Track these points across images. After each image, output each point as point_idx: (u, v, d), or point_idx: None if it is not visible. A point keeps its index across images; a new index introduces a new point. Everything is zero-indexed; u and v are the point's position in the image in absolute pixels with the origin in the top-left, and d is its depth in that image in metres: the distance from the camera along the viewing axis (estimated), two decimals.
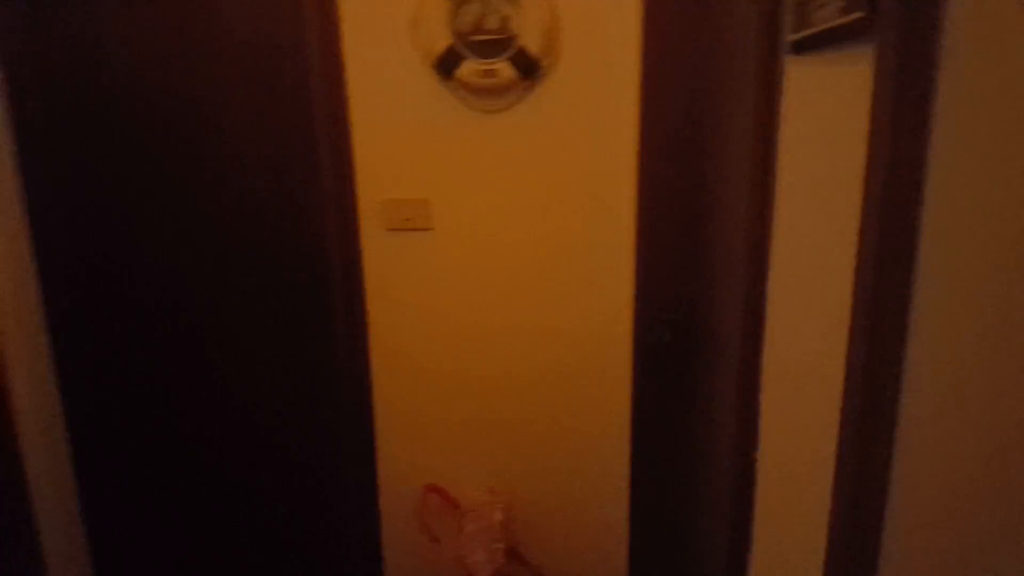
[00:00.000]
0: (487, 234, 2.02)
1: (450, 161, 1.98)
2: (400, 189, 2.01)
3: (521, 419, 2.13)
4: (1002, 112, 0.67)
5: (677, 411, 1.82)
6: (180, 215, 2.12)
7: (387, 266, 2.07)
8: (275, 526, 2.35)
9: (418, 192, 2.01)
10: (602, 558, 2.19)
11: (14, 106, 2.03)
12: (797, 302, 1.13)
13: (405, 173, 2.00)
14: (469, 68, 1.86)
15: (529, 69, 1.85)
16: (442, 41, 1.86)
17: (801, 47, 1.08)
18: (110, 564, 2.38)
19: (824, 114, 1.02)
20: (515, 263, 2.03)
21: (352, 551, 2.28)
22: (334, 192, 2.02)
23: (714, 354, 1.58)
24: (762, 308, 1.26)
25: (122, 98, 2.06)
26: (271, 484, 2.32)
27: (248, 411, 2.26)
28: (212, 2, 1.96)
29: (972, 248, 0.71)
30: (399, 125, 1.97)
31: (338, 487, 2.27)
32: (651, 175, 1.87)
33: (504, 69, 1.85)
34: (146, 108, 2.05)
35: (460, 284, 2.06)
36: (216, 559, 2.39)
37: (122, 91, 2.06)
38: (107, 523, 2.36)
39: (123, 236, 2.15)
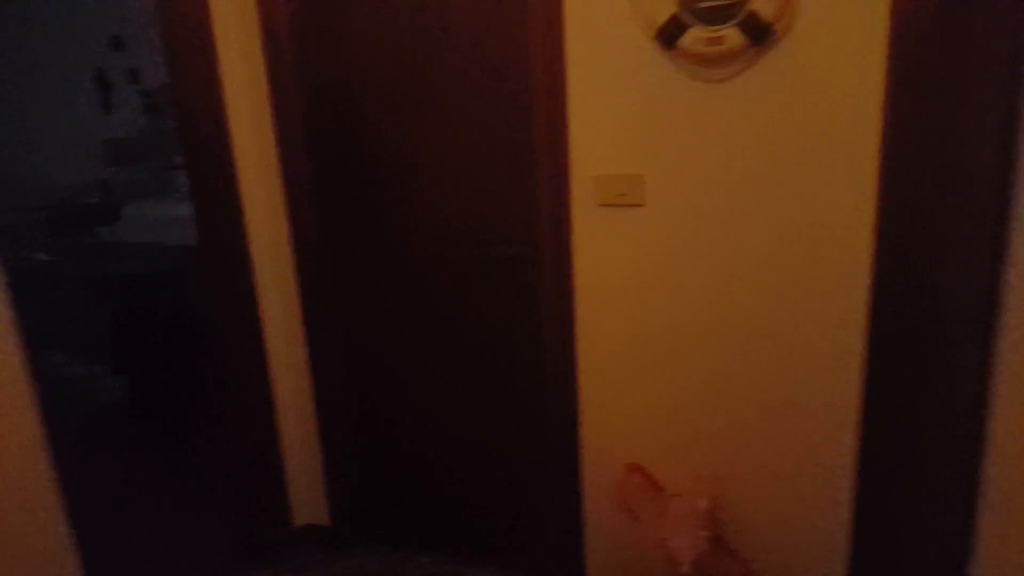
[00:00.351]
0: (703, 211, 1.92)
1: (667, 135, 1.90)
2: (614, 164, 1.97)
3: (732, 407, 2.03)
4: None
5: (919, 409, 1.64)
6: (403, 183, 2.25)
7: (596, 242, 2.05)
8: (479, 491, 2.46)
9: (632, 167, 1.96)
10: (816, 560, 2.05)
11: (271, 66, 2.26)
12: None
13: (620, 148, 1.96)
14: (693, 36, 1.76)
15: (759, 35, 1.72)
16: (665, 10, 1.78)
17: None
18: (338, 483, 2.63)
19: None
20: (732, 243, 1.92)
21: (552, 521, 2.33)
22: (547, 166, 2.03)
23: (956, 345, 1.39)
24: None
25: (363, 76, 2.22)
26: (475, 450, 2.42)
27: (453, 378, 2.38)
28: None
29: None
30: (615, 98, 1.93)
31: (541, 459, 2.31)
32: (901, 155, 1.67)
33: (732, 36, 1.73)
34: (380, 79, 2.19)
35: (672, 262, 1.99)
36: (427, 510, 2.56)
37: (362, 70, 2.21)
38: (335, 448, 2.60)
39: (354, 198, 2.34)
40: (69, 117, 5.89)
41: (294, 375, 2.57)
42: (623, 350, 2.10)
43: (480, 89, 2.08)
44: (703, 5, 1.75)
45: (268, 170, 2.39)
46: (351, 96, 2.24)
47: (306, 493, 2.67)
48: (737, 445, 2.06)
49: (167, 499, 3.06)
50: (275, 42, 2.23)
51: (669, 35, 1.79)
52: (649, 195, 1.96)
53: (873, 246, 1.78)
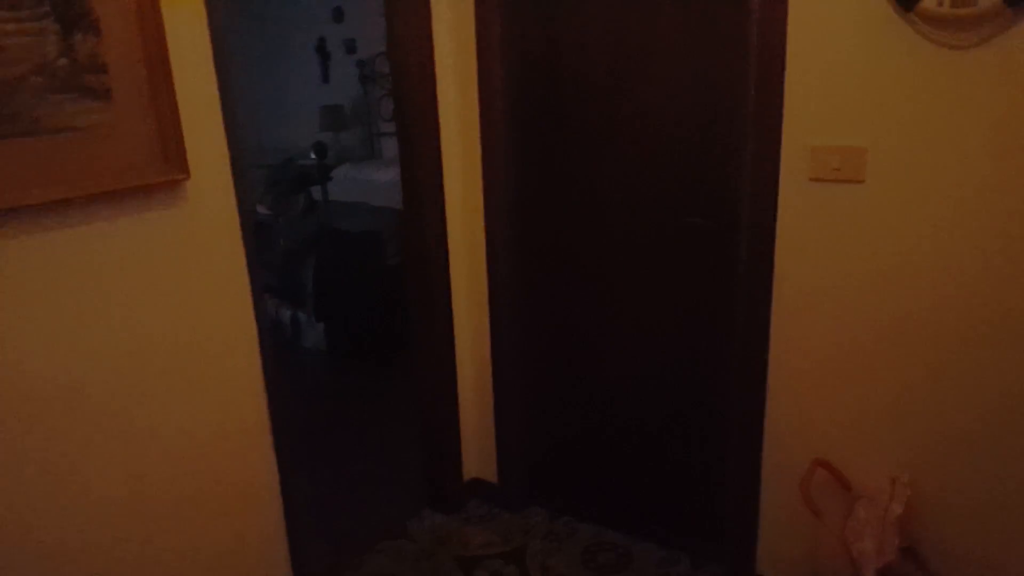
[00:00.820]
0: (935, 192, 1.75)
1: (899, 104, 1.74)
2: (832, 135, 1.84)
3: (949, 408, 1.84)
4: None
5: None
6: (602, 151, 2.24)
7: (803, 219, 1.92)
8: (648, 467, 2.43)
9: (853, 139, 1.82)
10: None
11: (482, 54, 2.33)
12: None
13: (840, 117, 1.82)
14: None
15: None
16: None
17: None
18: (508, 444, 2.71)
19: None
20: (967, 231, 1.73)
21: (725, 507, 2.25)
22: (755, 132, 1.93)
23: None
24: None
25: (567, 47, 2.23)
26: (649, 426, 2.39)
27: (635, 351, 2.34)
28: None
29: None
30: (840, 61, 1.78)
31: (719, 441, 2.24)
32: None
33: None
34: (586, 49, 2.19)
35: (892, 248, 1.82)
36: (592, 480, 2.57)
37: (567, 41, 2.22)
38: (508, 410, 2.67)
39: (548, 163, 2.36)
40: (293, 84, 6.46)
41: (476, 337, 2.67)
42: (823, 337, 1.97)
43: (688, 50, 2.02)
44: None
45: (469, 138, 2.47)
46: (553, 65, 2.26)
47: (478, 449, 2.77)
48: (941, 451, 1.87)
49: (356, 439, 3.30)
50: (484, 14, 2.29)
51: None
52: (871, 170, 1.81)
53: None
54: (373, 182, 5.25)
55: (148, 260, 1.68)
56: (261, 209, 4.38)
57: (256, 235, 4.21)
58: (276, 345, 2.00)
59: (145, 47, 1.57)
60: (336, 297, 4.05)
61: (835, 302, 1.93)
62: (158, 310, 1.72)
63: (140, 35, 1.55)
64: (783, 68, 1.85)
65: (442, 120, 2.42)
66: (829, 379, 1.98)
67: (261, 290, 1.93)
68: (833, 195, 1.88)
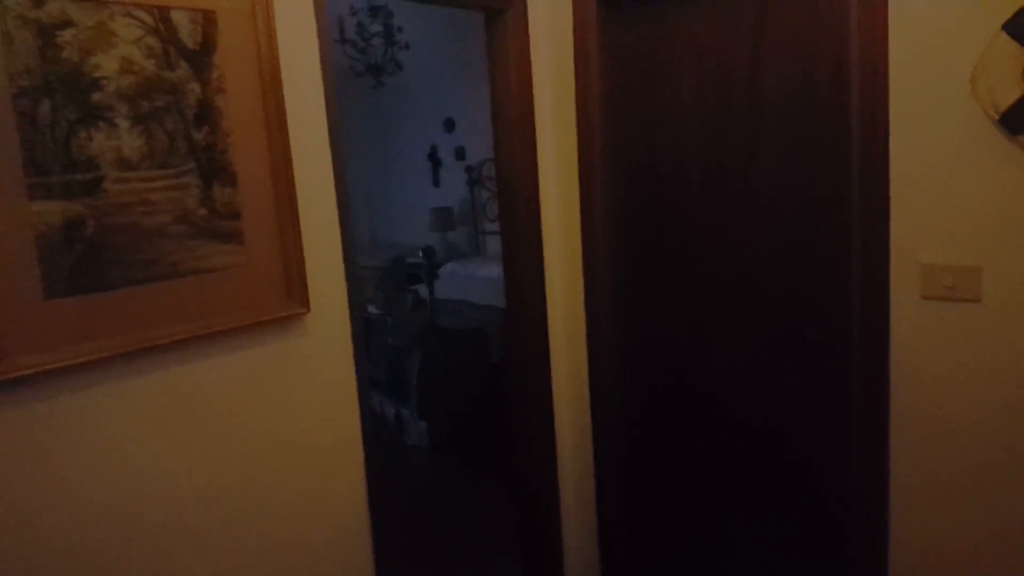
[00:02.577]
0: None
1: (1012, 225, 1.70)
2: (943, 253, 1.81)
3: None
4: None
5: None
6: (704, 259, 2.27)
7: (917, 336, 1.87)
8: None
9: (965, 258, 1.78)
10: None
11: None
12: None
13: (951, 236, 1.79)
14: None
15: None
16: (1012, 93, 1.62)
17: None
18: (611, 546, 2.64)
19: None
20: None
21: None
22: (863, 249, 1.92)
23: None
24: None
25: (670, 153, 2.31)
26: (758, 537, 2.30)
27: (741, 460, 2.29)
28: (759, 61, 2.06)
29: None
30: (946, 181, 1.77)
31: (843, 565, 2.12)
32: None
33: None
34: (688, 156, 2.27)
35: (1012, 368, 1.75)
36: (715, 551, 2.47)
37: (670, 146, 2.30)
38: (610, 511, 2.62)
39: (653, 270, 2.41)
40: (406, 188, 6.86)
41: (577, 437, 2.68)
42: (949, 459, 1.87)
43: (792, 164, 2.05)
44: None
45: (571, 241, 2.56)
46: (657, 173, 2.34)
47: (579, 547, 2.73)
48: None
49: (454, 541, 3.32)
50: (586, 122, 2.41)
51: (1016, 119, 1.62)
52: (988, 290, 1.76)
53: None
54: (477, 278, 5.44)
55: (265, 388, 1.80)
56: (372, 308, 4.60)
57: (366, 333, 4.40)
58: (380, 457, 2.07)
59: (276, 194, 1.74)
60: (439, 394, 4.16)
61: (957, 424, 1.85)
62: (271, 434, 1.83)
63: (272, 185, 1.73)
64: (887, 185, 1.85)
65: (545, 223, 2.54)
66: (955, 502, 1.88)
67: (368, 415, 2.03)
68: (948, 314, 1.83)
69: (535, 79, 2.41)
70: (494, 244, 6.27)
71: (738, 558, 2.36)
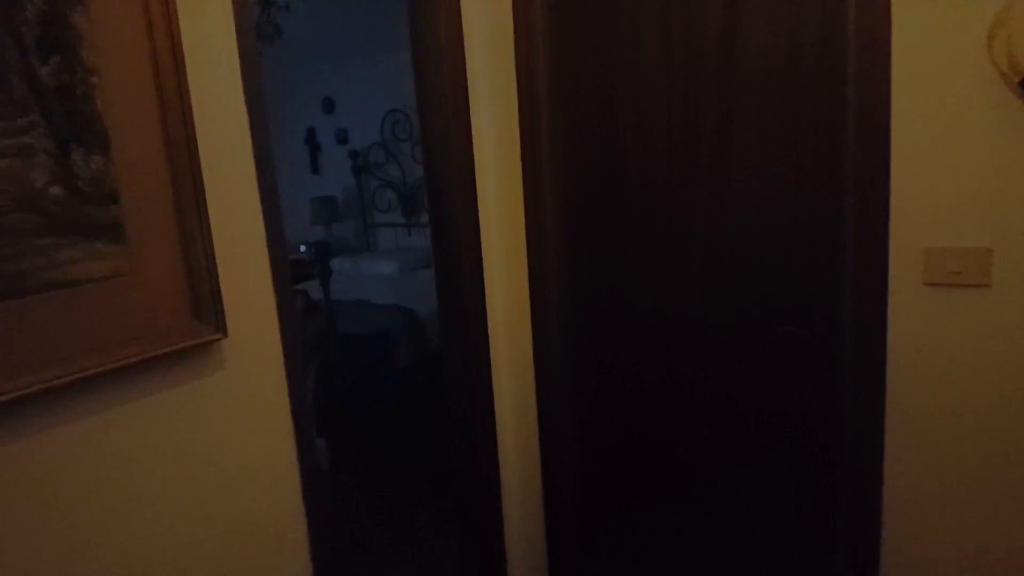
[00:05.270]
0: None
1: None
2: (949, 235, 1.61)
3: None
4: None
5: None
6: (673, 241, 1.99)
7: (918, 329, 1.68)
8: None
9: (974, 239, 1.59)
10: None
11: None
12: None
13: (958, 216, 1.60)
14: None
15: None
16: None
17: None
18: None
19: None
20: None
21: None
22: (858, 232, 1.70)
23: None
24: None
25: (628, 113, 2.01)
26: (731, 566, 2.07)
27: (726, 475, 2.04)
28: (736, 14, 1.79)
29: None
30: (955, 156, 1.58)
31: None
32: None
33: None
34: (651, 116, 1.97)
35: None
36: None
37: (629, 105, 2.00)
38: (560, 535, 2.33)
39: (607, 265, 2.10)
40: (282, 175, 6.25)
41: (522, 461, 2.36)
42: (949, 468, 1.69)
43: (773, 136, 1.80)
44: None
45: (514, 226, 2.22)
46: (615, 148, 2.03)
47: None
48: None
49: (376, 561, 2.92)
50: (530, 90, 2.07)
51: None
52: (998, 274, 1.58)
53: None
54: (372, 275, 4.99)
55: (164, 455, 1.31)
56: None
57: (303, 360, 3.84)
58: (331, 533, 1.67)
59: (173, 168, 1.20)
60: (341, 408, 3.71)
61: (962, 425, 1.67)
62: (179, 528, 1.36)
63: (166, 154, 1.20)
64: (887, 159, 1.63)
65: (483, 214, 2.17)
66: (958, 510, 1.70)
67: (313, 468, 1.60)
68: (954, 301, 1.64)
69: (467, 40, 2.02)
70: (386, 237, 5.82)
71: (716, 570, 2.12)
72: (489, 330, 2.23)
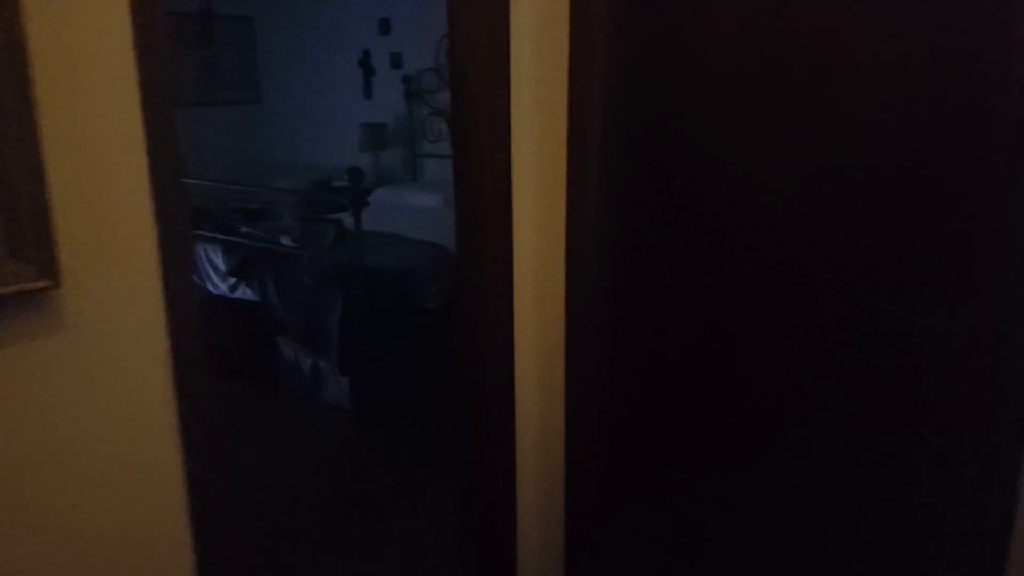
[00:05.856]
0: None
1: None
2: None
3: None
4: None
5: None
6: (749, 230, 1.60)
7: None
8: None
9: None
10: None
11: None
12: None
13: None
14: None
15: None
16: None
17: None
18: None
19: None
20: None
21: None
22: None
23: None
24: None
25: (710, 58, 1.61)
26: None
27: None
28: None
29: None
30: None
31: None
32: None
33: None
34: (736, 60, 1.57)
35: None
36: None
37: (708, 49, 1.60)
38: (582, 514, 2.04)
39: (664, 231, 1.74)
40: (333, 99, 5.97)
41: (543, 434, 2.04)
42: None
43: (899, 68, 1.37)
44: None
45: (551, 180, 1.85)
46: (685, 92, 1.63)
47: (539, 562, 2.13)
48: None
49: (377, 527, 2.70)
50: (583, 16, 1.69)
51: None
52: None
53: None
54: (412, 207, 4.70)
55: None
56: (285, 240, 3.83)
57: (277, 270, 3.62)
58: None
59: None
60: (365, 347, 3.47)
61: None
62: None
63: None
64: None
65: (516, 151, 1.80)
66: None
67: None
68: None
69: None
70: (433, 169, 5.52)
71: None
72: (514, 281, 1.89)
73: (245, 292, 4.01)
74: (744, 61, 1.51)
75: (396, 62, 5.48)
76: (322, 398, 3.67)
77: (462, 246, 1.88)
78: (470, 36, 1.71)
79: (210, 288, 4.18)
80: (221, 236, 4.07)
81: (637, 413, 1.89)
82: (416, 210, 4.65)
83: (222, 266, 4.09)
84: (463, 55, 1.73)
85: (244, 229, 4.11)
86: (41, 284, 0.93)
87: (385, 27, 5.48)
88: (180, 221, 1.08)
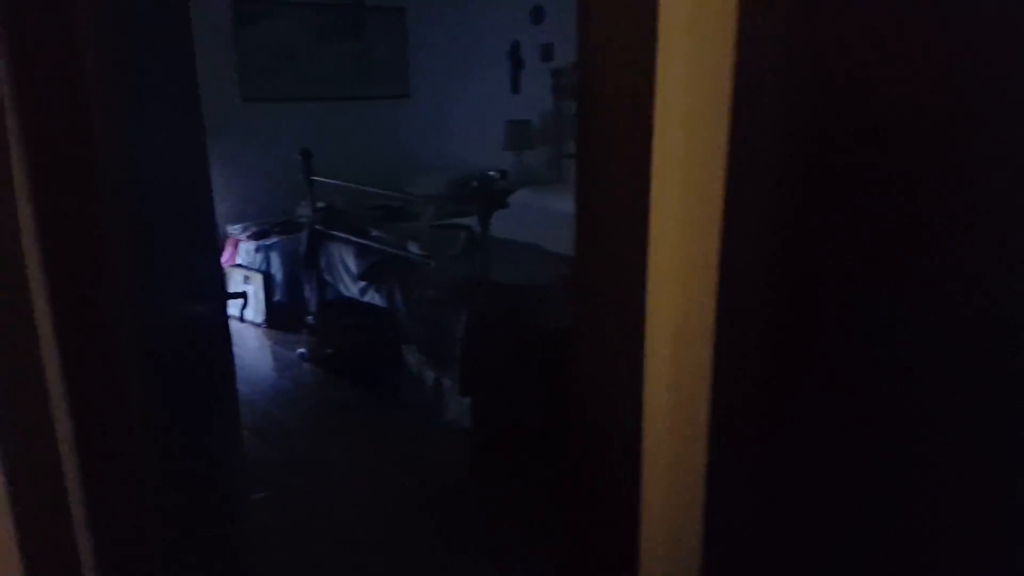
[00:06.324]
0: None
1: None
2: None
3: None
4: None
5: None
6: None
7: None
8: None
9: None
10: None
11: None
12: None
13: None
14: None
15: None
16: None
17: None
18: None
19: None
20: None
21: None
22: None
23: None
24: None
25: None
26: None
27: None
28: None
29: None
30: None
31: None
32: None
33: None
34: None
35: None
36: None
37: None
38: None
39: (844, 249, 1.28)
40: (480, 95, 5.74)
41: (676, 474, 1.63)
42: None
43: None
44: None
45: (702, 188, 1.43)
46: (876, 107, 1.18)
47: None
48: None
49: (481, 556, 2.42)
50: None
51: None
52: None
53: None
54: (554, 213, 4.37)
55: None
56: (413, 247, 3.63)
57: (404, 278, 3.38)
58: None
59: None
60: (490, 368, 3.19)
61: None
62: None
63: None
64: None
65: (657, 152, 1.41)
66: None
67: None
68: None
69: None
70: None
71: None
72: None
73: (374, 297, 3.86)
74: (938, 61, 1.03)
75: (547, 54, 5.16)
76: (443, 415, 3.44)
77: (581, 263, 1.52)
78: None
79: (342, 289, 4.08)
80: (354, 239, 3.95)
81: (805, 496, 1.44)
82: (558, 215, 4.30)
83: (354, 268, 3.97)
84: (596, 27, 1.35)
85: (374, 233, 3.96)
86: None
87: (537, 15, 5.17)
88: None
